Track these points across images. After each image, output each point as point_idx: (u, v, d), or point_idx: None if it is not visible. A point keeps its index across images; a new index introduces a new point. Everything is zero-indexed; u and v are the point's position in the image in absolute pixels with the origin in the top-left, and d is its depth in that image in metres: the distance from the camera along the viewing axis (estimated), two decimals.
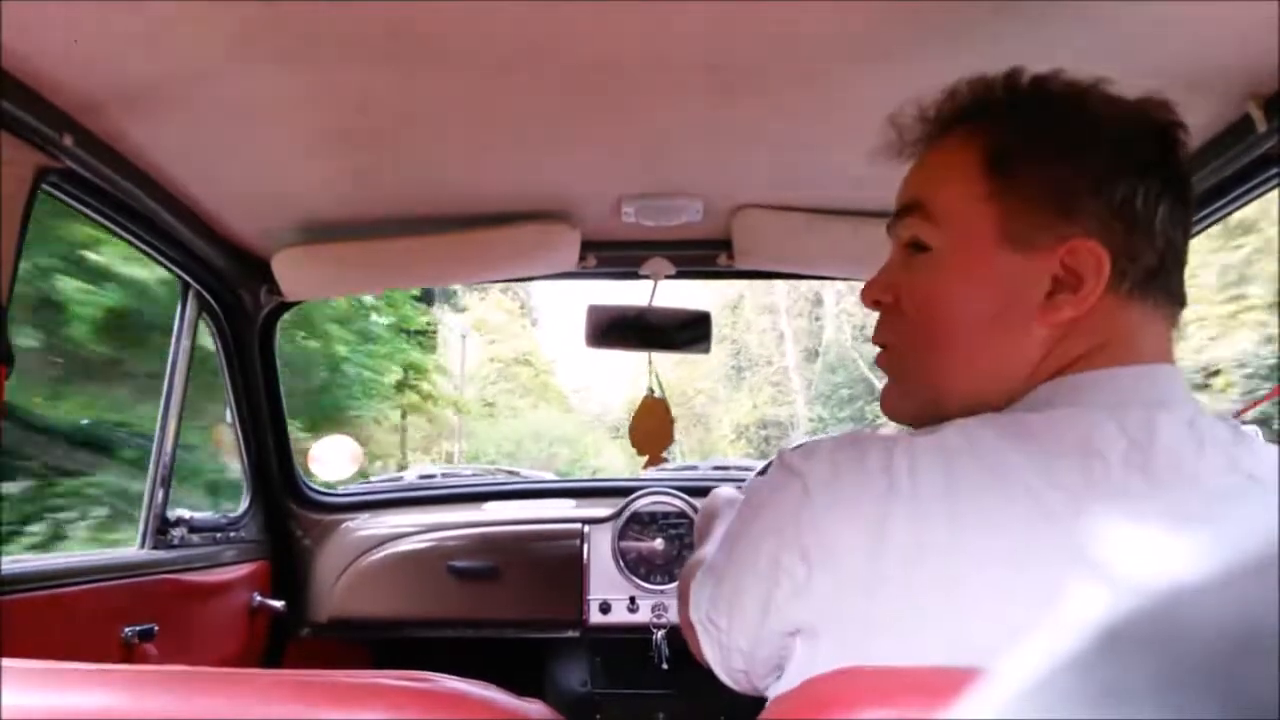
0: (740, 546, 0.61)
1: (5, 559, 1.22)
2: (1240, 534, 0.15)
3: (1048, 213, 0.63)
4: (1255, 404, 1.37)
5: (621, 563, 1.98)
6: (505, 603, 1.99)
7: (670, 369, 20.80)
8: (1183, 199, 0.66)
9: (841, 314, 21.27)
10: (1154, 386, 0.60)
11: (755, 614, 0.58)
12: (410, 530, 2.04)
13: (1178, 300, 0.66)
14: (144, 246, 1.51)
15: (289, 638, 2.01)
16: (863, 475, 0.55)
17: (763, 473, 0.77)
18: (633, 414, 1.84)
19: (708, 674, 0.68)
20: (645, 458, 1.81)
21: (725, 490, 1.12)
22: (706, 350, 1.90)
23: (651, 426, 1.81)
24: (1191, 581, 0.15)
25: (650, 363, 1.88)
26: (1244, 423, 1.49)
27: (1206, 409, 0.61)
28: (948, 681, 0.45)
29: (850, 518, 0.54)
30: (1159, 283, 0.64)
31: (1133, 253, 0.63)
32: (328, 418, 8.26)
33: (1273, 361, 8.31)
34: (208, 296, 1.73)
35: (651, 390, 1.83)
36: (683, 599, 0.73)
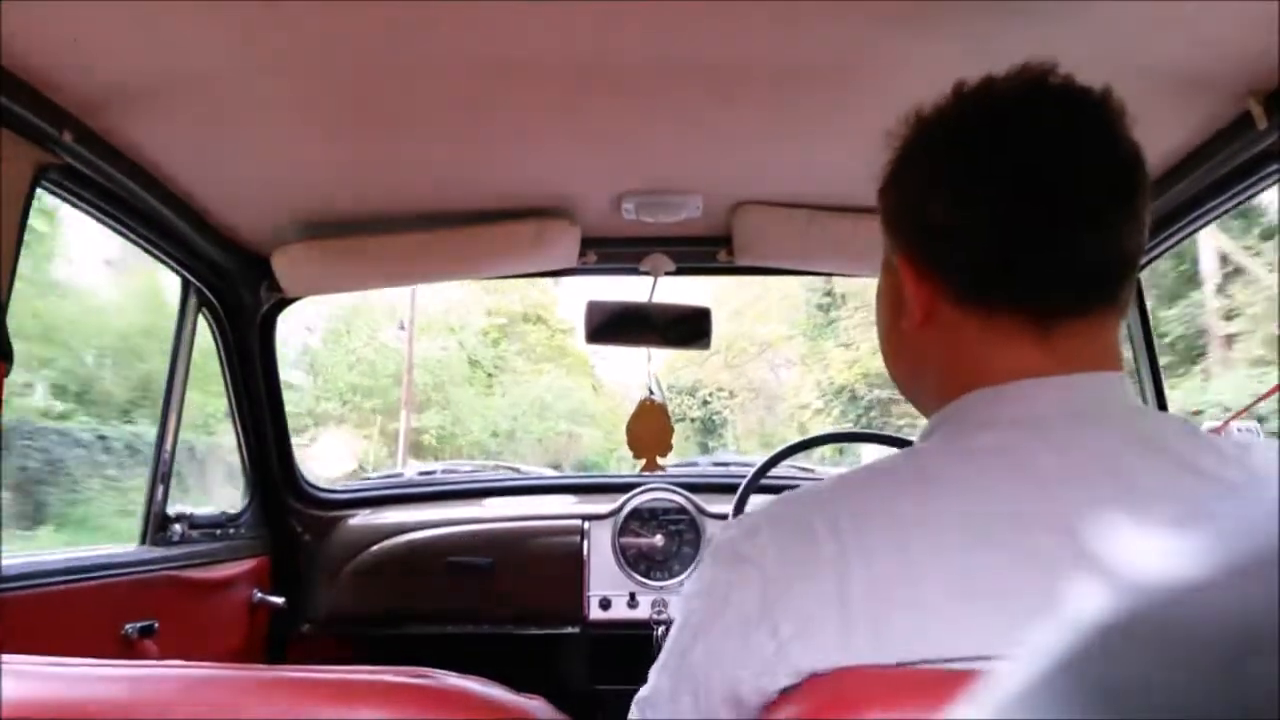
0: (697, 651, 0.59)
1: (5, 556, 1.22)
2: (1193, 534, 0.15)
3: (888, 235, 0.69)
4: (1258, 401, 1.37)
5: (622, 559, 1.98)
6: (505, 599, 1.99)
7: (724, 321, 15.61)
8: (1005, 191, 0.60)
9: None
10: (1077, 398, 0.59)
11: (728, 706, 0.57)
12: (410, 526, 2.04)
13: (1049, 305, 0.60)
14: (143, 243, 1.50)
15: (289, 634, 2.01)
16: (814, 545, 0.55)
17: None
18: (630, 417, 1.84)
19: None
20: (642, 461, 1.82)
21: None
22: (706, 346, 1.90)
23: (649, 431, 1.82)
24: (1157, 584, 0.15)
25: (649, 361, 1.88)
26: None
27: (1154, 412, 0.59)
28: (948, 681, 0.46)
29: (815, 588, 0.54)
30: (1001, 289, 0.61)
31: (943, 261, 0.63)
32: None
33: None
34: (207, 293, 1.73)
35: (651, 393, 1.83)
36: None
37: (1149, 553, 0.16)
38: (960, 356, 0.63)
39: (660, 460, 1.81)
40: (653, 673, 0.64)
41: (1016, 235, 0.60)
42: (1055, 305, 0.60)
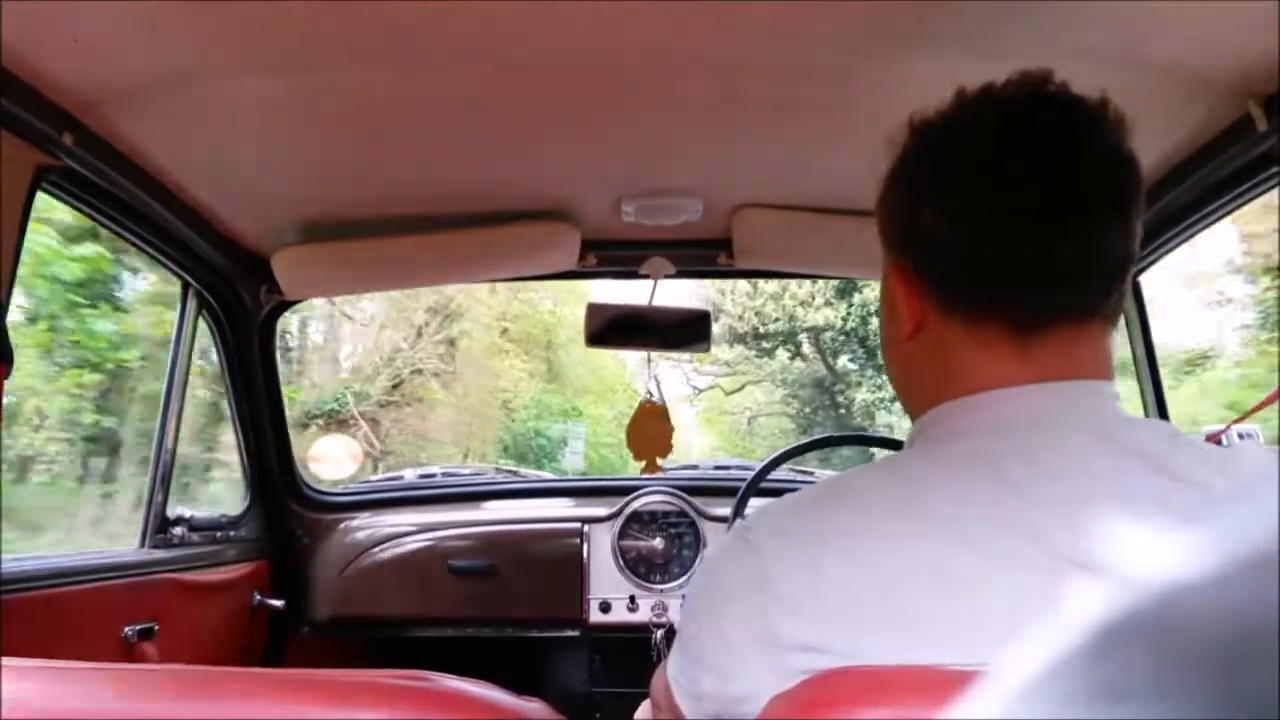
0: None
1: (6, 557, 1.22)
2: (1192, 534, 0.15)
3: (883, 244, 0.70)
4: (1259, 406, 1.37)
5: (621, 562, 1.98)
6: (505, 602, 1.99)
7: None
8: (989, 199, 0.60)
9: None
10: (1048, 407, 0.59)
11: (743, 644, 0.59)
12: (410, 529, 2.04)
13: (1026, 312, 0.60)
14: (143, 245, 1.51)
15: (289, 637, 2.01)
16: (799, 545, 0.58)
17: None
18: (631, 418, 1.84)
19: None
20: (643, 463, 1.82)
21: None
22: (706, 349, 1.90)
23: (650, 433, 1.82)
24: (1157, 584, 0.15)
25: (649, 364, 1.89)
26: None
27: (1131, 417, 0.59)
28: (946, 681, 0.45)
29: (799, 588, 0.56)
30: (979, 296, 0.61)
31: (930, 269, 0.64)
32: None
33: None
34: (207, 295, 1.73)
35: (650, 395, 1.83)
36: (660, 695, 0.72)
37: (1148, 553, 0.16)
38: (944, 367, 0.64)
39: (660, 461, 1.82)
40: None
41: (995, 242, 0.60)
42: (1034, 312, 0.60)
